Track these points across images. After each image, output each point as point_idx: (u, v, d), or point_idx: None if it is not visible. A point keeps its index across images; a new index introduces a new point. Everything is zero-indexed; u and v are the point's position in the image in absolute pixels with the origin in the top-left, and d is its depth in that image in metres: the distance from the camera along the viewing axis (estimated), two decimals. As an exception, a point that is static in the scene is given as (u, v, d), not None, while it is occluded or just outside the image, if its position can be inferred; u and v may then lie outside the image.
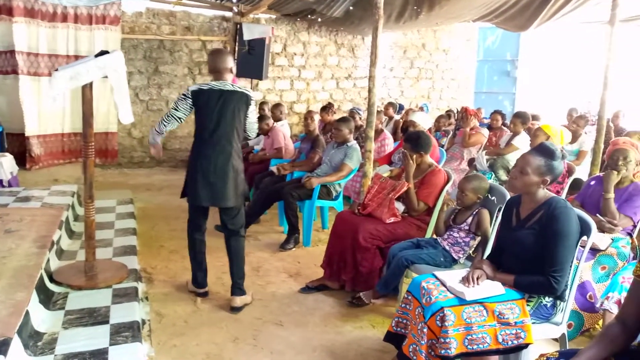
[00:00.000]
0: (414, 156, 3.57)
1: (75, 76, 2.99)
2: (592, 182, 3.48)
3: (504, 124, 6.77)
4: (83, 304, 3.10)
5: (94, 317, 2.94)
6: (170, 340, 2.94)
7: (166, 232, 4.92)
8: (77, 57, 6.90)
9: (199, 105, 3.26)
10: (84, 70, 3.04)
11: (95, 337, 2.70)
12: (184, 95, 3.27)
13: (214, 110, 3.23)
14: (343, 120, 4.89)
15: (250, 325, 3.15)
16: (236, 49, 8.12)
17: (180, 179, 7.31)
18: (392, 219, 3.51)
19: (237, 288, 3.39)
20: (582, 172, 5.48)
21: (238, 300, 3.36)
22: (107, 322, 2.88)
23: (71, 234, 4.45)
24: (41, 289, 3.06)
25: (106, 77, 3.20)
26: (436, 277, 2.49)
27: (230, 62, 3.33)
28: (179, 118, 3.29)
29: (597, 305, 2.92)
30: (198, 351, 2.84)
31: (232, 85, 3.29)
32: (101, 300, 3.16)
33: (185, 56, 8.18)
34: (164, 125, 3.31)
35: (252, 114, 3.39)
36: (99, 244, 3.65)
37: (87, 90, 3.20)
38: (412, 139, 3.62)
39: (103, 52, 3.20)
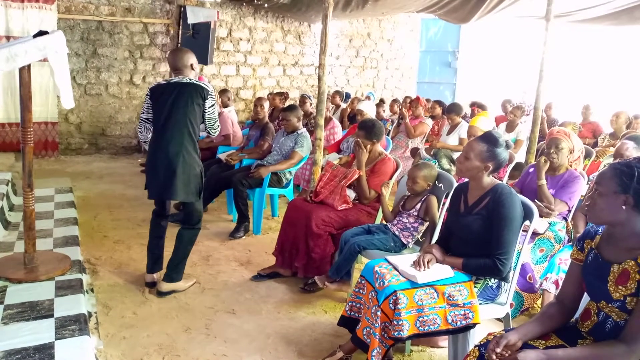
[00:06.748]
0: (367, 144, 3.62)
1: (13, 57, 2.80)
2: (531, 170, 3.67)
3: (443, 114, 7.01)
4: (24, 297, 2.95)
5: (36, 310, 2.80)
6: (120, 332, 2.87)
7: (109, 222, 4.76)
8: (9, 38, 6.48)
9: (155, 100, 3.26)
10: (22, 51, 2.85)
11: (39, 332, 2.58)
12: (146, 95, 3.31)
13: (166, 102, 3.20)
14: (290, 109, 4.85)
15: (203, 315, 3.12)
16: (180, 32, 7.89)
17: (122, 167, 7.22)
18: (344, 206, 3.56)
19: (166, 275, 3.36)
20: (518, 159, 5.77)
21: (164, 286, 3.34)
22: (51, 315, 2.75)
23: (7, 224, 4.20)
24: (-23, 283, 2.89)
25: (44, 59, 3.04)
26: (388, 262, 2.56)
27: (190, 60, 3.31)
28: (147, 119, 3.33)
29: (537, 286, 3.11)
30: (149, 342, 2.78)
31: (190, 79, 3.26)
32: (43, 293, 3.02)
33: (126, 39, 7.85)
34: (139, 132, 3.41)
35: (212, 109, 3.29)
36: (38, 235, 3.46)
37: (25, 73, 3.00)
38: (367, 127, 3.65)
39: (42, 32, 3.02)
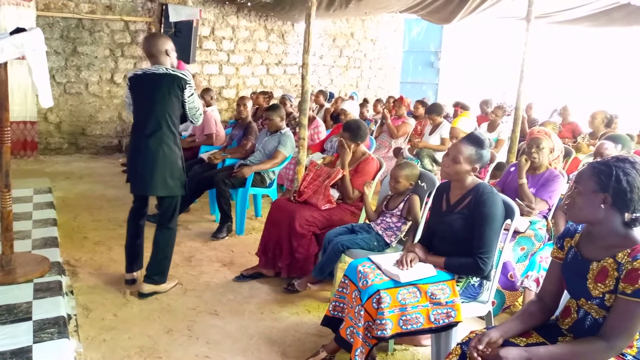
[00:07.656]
0: (351, 145, 3.62)
1: (-12, 55, 2.75)
2: (512, 169, 3.71)
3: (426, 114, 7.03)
4: (0, 300, 2.89)
5: (14, 313, 2.75)
6: (100, 334, 2.82)
7: (89, 223, 4.69)
8: (-16, 35, 6.35)
9: (133, 91, 3.22)
10: (-2, 49, 2.80)
11: (16, 335, 2.53)
12: (126, 83, 3.31)
13: (144, 95, 3.16)
14: (272, 108, 4.82)
15: (185, 316, 3.09)
16: (162, 31, 7.81)
17: (103, 167, 7.12)
18: (328, 206, 3.55)
19: (146, 277, 3.31)
20: (500, 159, 5.84)
21: (145, 287, 3.29)
22: (29, 318, 2.71)
23: (-17, 226, 4.11)
24: (-48, 286, 2.82)
25: (21, 57, 2.98)
26: (372, 261, 2.57)
27: (165, 45, 3.21)
28: (130, 105, 3.31)
29: (518, 284, 3.14)
30: (130, 345, 2.74)
31: (166, 68, 3.18)
32: (21, 295, 2.96)
33: (107, 37, 7.75)
34: (128, 112, 3.45)
35: (191, 97, 3.23)
36: (16, 236, 3.40)
37: (1, 71, 2.96)
38: (351, 128, 3.65)
39: (20, 30, 2.96)
